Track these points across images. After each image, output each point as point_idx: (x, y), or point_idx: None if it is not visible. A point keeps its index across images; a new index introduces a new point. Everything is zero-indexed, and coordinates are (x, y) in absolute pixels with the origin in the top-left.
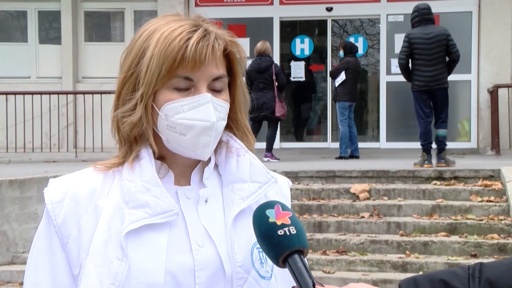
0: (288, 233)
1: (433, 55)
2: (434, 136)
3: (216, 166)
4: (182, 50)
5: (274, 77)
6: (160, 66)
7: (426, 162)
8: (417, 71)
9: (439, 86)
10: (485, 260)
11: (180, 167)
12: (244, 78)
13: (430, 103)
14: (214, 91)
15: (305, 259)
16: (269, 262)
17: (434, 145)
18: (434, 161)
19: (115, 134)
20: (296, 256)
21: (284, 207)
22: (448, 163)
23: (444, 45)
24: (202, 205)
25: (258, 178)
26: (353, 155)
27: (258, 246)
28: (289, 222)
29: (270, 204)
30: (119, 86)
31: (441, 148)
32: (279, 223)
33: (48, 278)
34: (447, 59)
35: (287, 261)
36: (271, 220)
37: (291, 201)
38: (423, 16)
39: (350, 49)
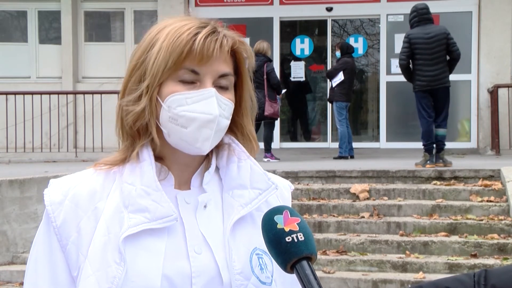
0: (296, 240)
1: (433, 55)
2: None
3: (217, 169)
4: (190, 43)
5: (265, 76)
6: (167, 58)
7: (428, 162)
8: (418, 71)
9: (441, 85)
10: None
11: (181, 168)
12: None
13: (431, 103)
14: (220, 88)
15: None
16: (269, 267)
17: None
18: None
19: (119, 127)
20: (304, 263)
21: (292, 213)
22: (445, 163)
23: (444, 44)
24: (201, 211)
25: (258, 184)
26: (349, 155)
27: (258, 252)
28: (297, 228)
29: (278, 210)
30: (127, 76)
31: (440, 148)
32: (287, 229)
33: (47, 279)
34: (447, 58)
35: (295, 268)
36: (279, 226)
37: (291, 201)
38: (422, 16)
39: (347, 49)
